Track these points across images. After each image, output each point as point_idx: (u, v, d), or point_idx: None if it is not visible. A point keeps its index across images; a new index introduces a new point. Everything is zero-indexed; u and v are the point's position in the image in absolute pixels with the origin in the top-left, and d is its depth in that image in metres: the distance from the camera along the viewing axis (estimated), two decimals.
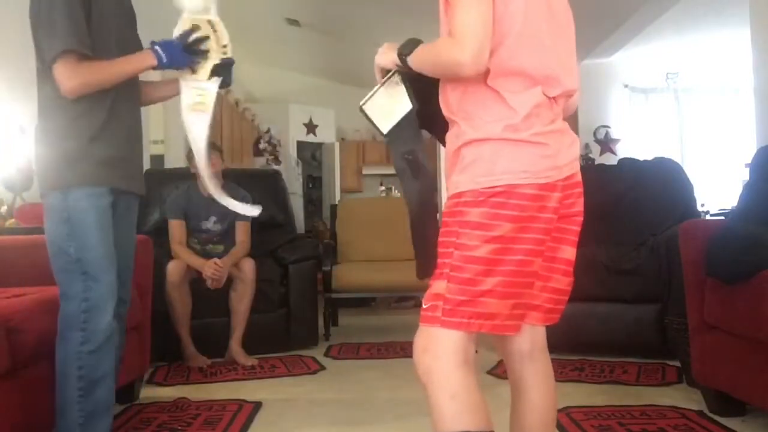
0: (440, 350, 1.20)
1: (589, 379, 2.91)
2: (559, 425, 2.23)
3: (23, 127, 3.47)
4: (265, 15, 6.38)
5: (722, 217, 3.55)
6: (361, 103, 1.44)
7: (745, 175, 2.71)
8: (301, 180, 8.85)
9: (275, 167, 7.36)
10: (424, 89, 1.35)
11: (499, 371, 3.13)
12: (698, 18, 5.83)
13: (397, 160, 1.38)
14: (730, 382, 2.19)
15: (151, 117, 5.32)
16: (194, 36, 1.85)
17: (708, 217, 4.45)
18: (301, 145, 8.76)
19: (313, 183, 9.57)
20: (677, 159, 4.54)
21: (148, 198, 3.99)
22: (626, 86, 7.32)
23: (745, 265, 2.04)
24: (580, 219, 1.34)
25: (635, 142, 7.20)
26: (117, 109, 1.85)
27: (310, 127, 8.77)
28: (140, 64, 1.80)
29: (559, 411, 2.38)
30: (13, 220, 3.11)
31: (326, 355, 3.68)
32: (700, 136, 7.31)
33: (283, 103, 8.49)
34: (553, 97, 1.26)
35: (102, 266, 1.80)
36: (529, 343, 1.36)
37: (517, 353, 1.37)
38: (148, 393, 2.80)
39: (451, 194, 1.25)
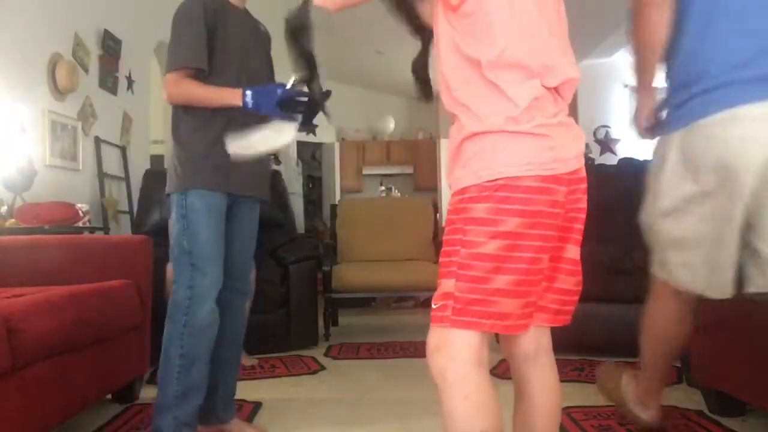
0: (454, 350, 1.18)
1: (589, 379, 2.91)
2: (558, 425, 2.23)
3: (24, 126, 3.47)
4: (265, 15, 6.39)
5: None
6: None
7: None
8: (301, 180, 8.85)
9: (275, 167, 7.35)
10: None
11: (499, 371, 3.13)
12: None
13: None
14: (730, 382, 2.19)
15: (152, 117, 5.33)
16: (297, 97, 1.98)
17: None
18: (301, 145, 8.76)
19: (313, 183, 9.57)
20: None
21: (147, 198, 4.01)
22: (626, 86, 7.32)
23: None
24: (584, 216, 1.31)
25: (635, 142, 7.20)
26: (233, 122, 2.00)
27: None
28: (226, 100, 1.98)
29: None
30: (13, 220, 3.11)
31: (326, 355, 3.68)
32: None
33: None
34: (555, 89, 1.24)
35: (208, 261, 2.00)
36: (534, 345, 1.34)
37: (522, 355, 1.34)
38: (148, 393, 2.79)
39: (455, 191, 1.23)
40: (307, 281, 3.87)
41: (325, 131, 8.93)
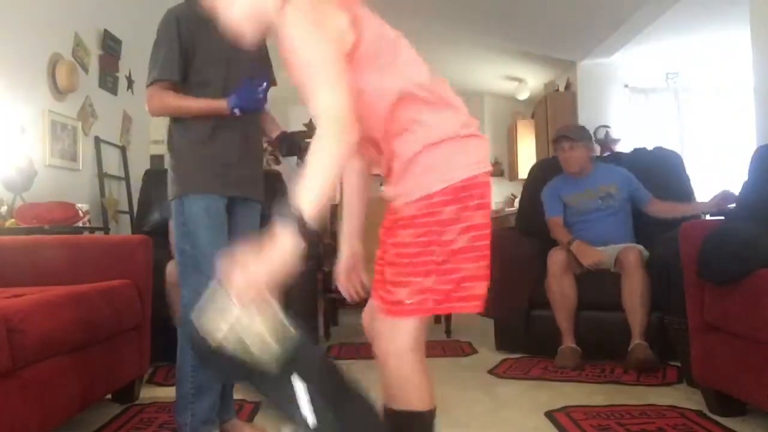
0: (401, 339, 1.40)
1: (589, 379, 2.92)
2: (558, 425, 2.23)
3: (24, 127, 3.47)
4: None
5: (722, 217, 3.55)
6: None
7: (745, 174, 2.71)
8: None
9: (275, 167, 7.36)
10: None
11: (499, 371, 3.13)
12: (698, 18, 5.82)
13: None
14: (730, 382, 2.19)
15: (152, 117, 5.32)
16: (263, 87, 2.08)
17: (708, 217, 4.45)
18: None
19: None
20: None
21: (147, 198, 4.01)
22: (626, 86, 7.31)
23: (735, 271, 2.05)
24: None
25: (635, 143, 7.20)
26: (221, 129, 2.08)
27: (310, 128, 8.77)
28: (214, 109, 2.04)
29: (559, 411, 2.39)
30: (12, 220, 3.11)
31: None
32: (700, 136, 7.30)
33: (283, 103, 8.48)
34: None
35: (211, 263, 2.00)
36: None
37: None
38: (148, 393, 2.80)
39: (418, 197, 1.27)
40: (307, 281, 3.87)
41: None
